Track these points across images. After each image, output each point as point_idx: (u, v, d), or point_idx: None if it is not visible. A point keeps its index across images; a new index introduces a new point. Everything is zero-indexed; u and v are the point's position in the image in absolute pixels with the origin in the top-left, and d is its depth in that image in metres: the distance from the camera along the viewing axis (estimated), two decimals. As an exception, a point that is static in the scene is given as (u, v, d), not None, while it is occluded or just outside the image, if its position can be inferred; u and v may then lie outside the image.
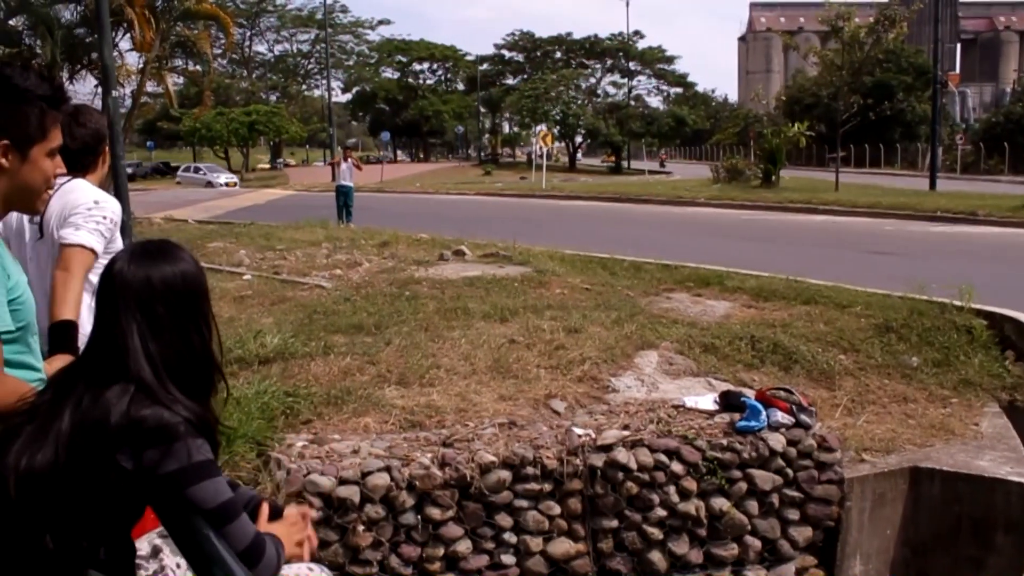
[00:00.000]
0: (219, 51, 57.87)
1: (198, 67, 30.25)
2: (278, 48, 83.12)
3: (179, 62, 27.99)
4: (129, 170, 26.33)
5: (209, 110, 46.21)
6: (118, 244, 3.49)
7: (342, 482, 4.82)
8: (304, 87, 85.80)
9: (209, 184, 49.40)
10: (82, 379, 1.98)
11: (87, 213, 3.27)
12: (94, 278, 3.34)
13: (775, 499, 5.56)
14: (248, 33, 77.44)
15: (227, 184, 49.65)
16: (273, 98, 77.45)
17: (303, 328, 7.59)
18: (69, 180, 3.34)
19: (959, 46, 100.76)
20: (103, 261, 3.43)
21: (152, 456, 1.89)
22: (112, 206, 3.39)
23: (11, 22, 20.41)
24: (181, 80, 37.11)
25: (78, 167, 3.33)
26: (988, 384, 7.51)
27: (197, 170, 54.98)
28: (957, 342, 8.06)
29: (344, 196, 20.76)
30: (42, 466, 1.88)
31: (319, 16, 71.65)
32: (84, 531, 1.93)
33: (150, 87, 24.19)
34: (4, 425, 1.98)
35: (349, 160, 20.79)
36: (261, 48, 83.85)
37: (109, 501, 1.94)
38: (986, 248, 16.76)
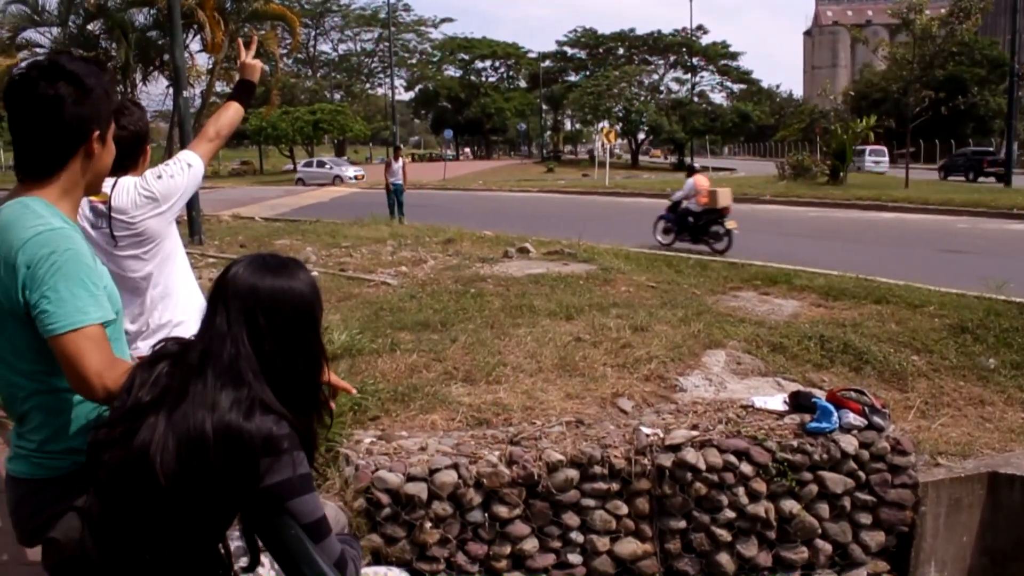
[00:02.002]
0: (285, 51, 58.83)
1: (265, 67, 30.74)
2: (342, 47, 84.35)
3: (247, 62, 28.46)
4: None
5: (275, 109, 46.88)
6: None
7: (410, 479, 4.84)
8: (367, 86, 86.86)
9: (338, 178, 48.50)
10: (196, 376, 1.98)
11: (147, 175, 3.41)
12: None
13: (847, 502, 5.45)
14: (313, 33, 78.56)
15: (355, 177, 48.93)
16: (337, 97, 78.42)
17: (370, 325, 7.66)
18: (114, 182, 3.35)
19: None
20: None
21: (259, 466, 1.91)
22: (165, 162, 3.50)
23: (88, 27, 20.98)
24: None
25: (118, 169, 3.27)
26: (1070, 387, 7.27)
27: (321, 164, 53.08)
28: (1037, 344, 7.83)
29: (396, 194, 21.82)
30: (173, 465, 1.89)
31: (382, 15, 72.47)
32: (176, 538, 1.96)
33: (219, 87, 24.67)
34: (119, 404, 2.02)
35: (400, 160, 22.18)
36: (325, 47, 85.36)
37: (209, 508, 1.95)
38: (1065, 246, 16.25)
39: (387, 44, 69.07)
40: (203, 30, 18.75)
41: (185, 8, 17.32)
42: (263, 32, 23.38)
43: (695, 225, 16.57)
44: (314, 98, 72.10)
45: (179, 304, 3.50)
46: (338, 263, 11.79)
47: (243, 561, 2.23)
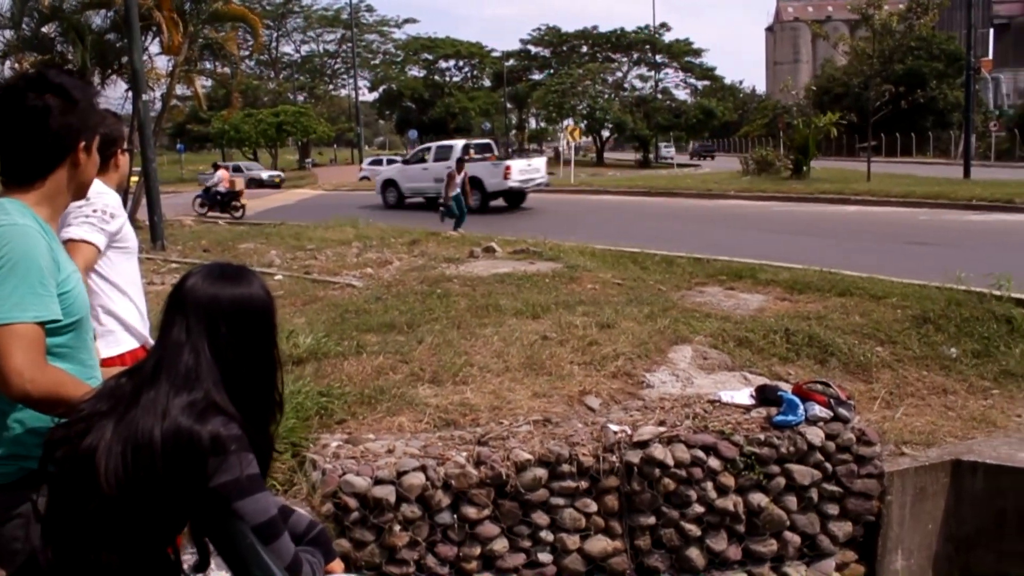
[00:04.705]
0: (247, 53, 58.33)
1: (226, 69, 30.42)
2: (305, 48, 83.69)
3: (207, 64, 28.15)
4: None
5: (238, 112, 46.40)
6: (127, 235, 3.53)
7: (377, 482, 4.82)
8: (331, 87, 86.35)
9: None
10: (149, 384, 1.99)
11: (77, 211, 3.32)
12: (106, 271, 3.45)
13: (814, 494, 5.49)
14: (275, 34, 77.93)
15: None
16: (301, 98, 77.92)
17: (335, 327, 7.61)
18: None
19: (992, 31, 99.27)
20: (116, 255, 3.49)
21: (207, 467, 1.90)
22: (104, 199, 3.40)
23: (43, 29, 20.63)
24: (210, 82, 37.33)
25: None
26: (1030, 374, 7.38)
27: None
28: (997, 332, 7.93)
29: (457, 203, 18.53)
30: (119, 469, 1.89)
31: (345, 16, 72.04)
32: (123, 541, 1.93)
33: (179, 90, 24.39)
34: (73, 415, 2.01)
35: (464, 173, 19.14)
36: (288, 49, 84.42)
37: (158, 512, 1.94)
38: (1024, 236, 16.49)
39: (350, 45, 68.74)
40: (161, 32, 18.48)
41: (143, 10, 17.07)
42: (223, 34, 23.17)
43: (222, 200, 25.49)
44: (277, 100, 71.55)
45: None
46: (303, 266, 11.71)
47: (191, 561, 2.22)
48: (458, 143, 27.62)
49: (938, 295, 8.65)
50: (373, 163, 52.17)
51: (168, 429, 1.89)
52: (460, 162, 19.52)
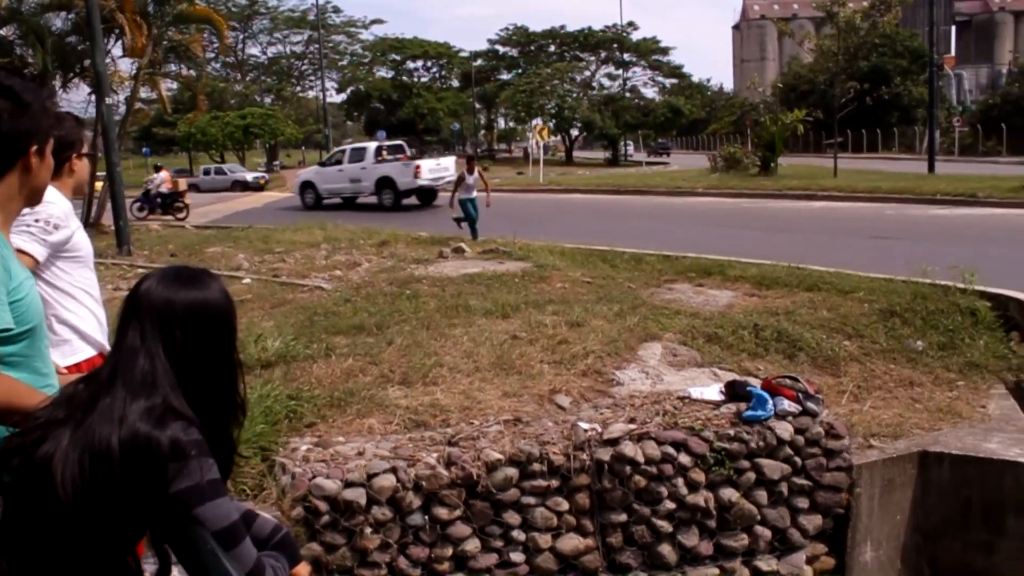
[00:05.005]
0: (212, 55, 57.85)
1: (191, 71, 30.15)
2: (271, 50, 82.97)
3: (172, 67, 27.88)
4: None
5: (204, 114, 46.03)
6: (78, 243, 3.46)
7: (348, 484, 4.79)
8: (298, 88, 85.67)
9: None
10: (105, 390, 1.95)
11: (19, 220, 3.26)
12: (57, 280, 3.38)
13: (784, 488, 5.53)
14: (241, 36, 77.24)
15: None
16: (268, 100, 77.34)
17: (304, 330, 7.56)
18: None
19: (954, 28, 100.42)
20: (68, 263, 3.42)
21: (167, 472, 1.87)
22: (49, 209, 3.34)
23: (1, 32, 20.33)
24: (175, 85, 36.97)
25: None
26: (994, 366, 7.48)
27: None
28: (962, 325, 8.03)
29: (474, 208, 16.40)
30: (76, 477, 1.86)
31: (311, 17, 71.56)
32: (83, 553, 1.90)
33: (144, 93, 24.17)
34: (27, 424, 1.98)
35: (476, 172, 16.53)
36: (254, 51, 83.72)
37: (117, 519, 1.91)
38: (987, 229, 16.71)
39: (317, 46, 68.34)
40: (124, 34, 18.25)
41: (105, 12, 16.86)
42: (188, 35, 22.95)
43: (163, 202, 25.73)
44: (244, 102, 70.98)
45: None
46: (271, 269, 11.62)
47: (152, 570, 2.18)
48: (371, 145, 28.70)
49: (904, 289, 8.74)
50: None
51: (126, 435, 1.86)
52: (470, 160, 16.97)
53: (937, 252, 11.16)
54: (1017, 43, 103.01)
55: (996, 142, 53.10)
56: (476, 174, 16.44)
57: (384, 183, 25.82)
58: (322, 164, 30.59)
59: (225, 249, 14.03)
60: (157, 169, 28.75)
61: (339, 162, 28.37)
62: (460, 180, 16.49)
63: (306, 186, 28.87)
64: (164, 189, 26.31)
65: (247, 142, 64.97)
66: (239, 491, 4.76)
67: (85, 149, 3.73)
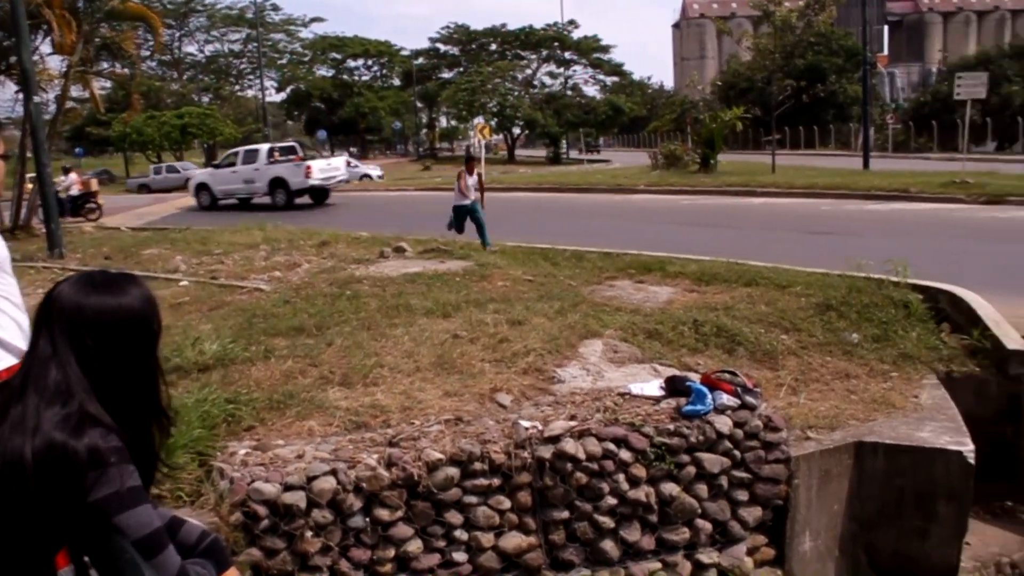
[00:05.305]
0: (148, 53, 56.70)
1: (125, 70, 29.50)
2: (209, 48, 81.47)
3: (105, 65, 27.26)
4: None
5: (139, 114, 45.00)
6: None
7: (287, 488, 4.72)
8: (237, 87, 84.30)
9: (368, 176, 47.52)
10: (17, 400, 1.91)
11: None
12: None
13: (724, 481, 5.59)
14: (177, 34, 75.80)
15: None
16: (206, 100, 75.96)
17: (243, 333, 7.45)
18: None
19: (886, 28, 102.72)
20: None
21: (85, 481, 1.83)
22: None
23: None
24: (109, 84, 36.13)
25: None
26: (926, 357, 7.66)
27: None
28: (895, 317, 8.21)
29: (472, 214, 14.51)
30: None
31: (250, 15, 70.54)
32: (2, 565, 1.85)
33: (76, 92, 23.62)
34: None
35: (476, 174, 14.82)
36: (191, 49, 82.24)
37: (33, 530, 1.85)
38: (919, 224, 17.12)
39: (256, 45, 67.43)
40: (53, 31, 17.77)
41: (31, 7, 16.40)
42: (121, 33, 22.44)
43: (74, 204, 24.92)
44: (181, 101, 69.65)
45: None
46: (209, 271, 11.43)
47: None
48: (263, 147, 29.46)
49: (840, 283, 8.91)
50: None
51: (40, 445, 1.81)
52: (470, 161, 15.23)
53: (872, 246, 11.39)
54: (946, 42, 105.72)
55: (928, 139, 54.45)
56: (476, 177, 14.59)
57: (277, 183, 26.80)
58: (216, 166, 31.38)
59: (162, 251, 13.76)
60: (66, 171, 27.72)
61: (232, 164, 29.09)
62: (459, 182, 14.50)
63: (201, 187, 29.45)
64: (75, 191, 25.76)
65: (185, 142, 63.77)
66: (176, 498, 4.68)
67: (1, 150, 3.61)
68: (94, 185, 27.04)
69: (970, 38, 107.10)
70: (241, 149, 30.98)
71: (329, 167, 28.21)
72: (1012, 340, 7.70)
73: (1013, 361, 7.54)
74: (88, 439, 1.84)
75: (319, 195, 27.58)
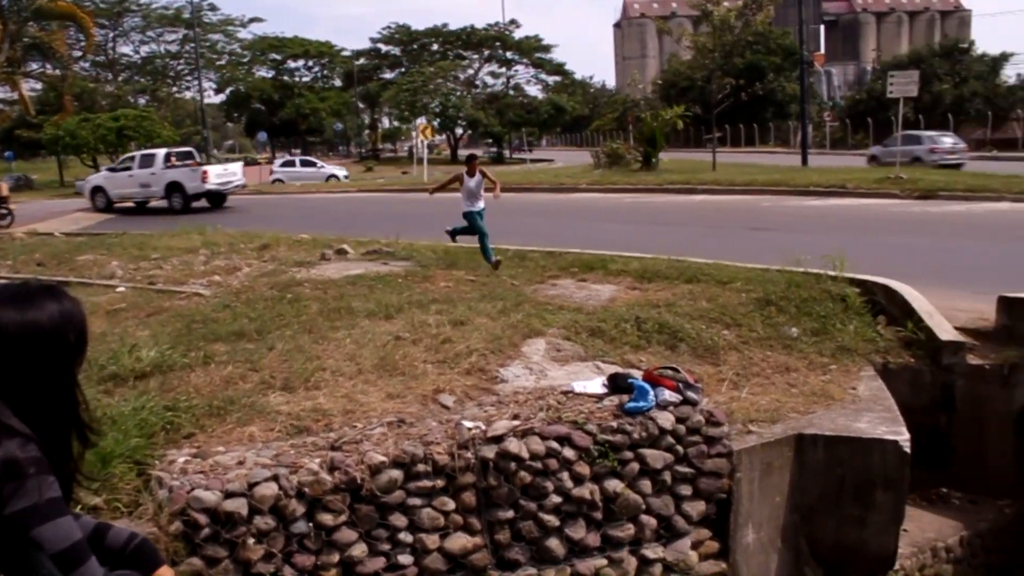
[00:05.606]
0: (79, 53, 55.37)
1: (56, 71, 28.84)
2: (144, 49, 79.72)
3: (35, 65, 26.61)
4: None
5: (72, 116, 44.04)
6: None
7: (228, 495, 4.64)
8: (175, 89, 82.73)
9: (334, 176, 46.16)
10: None
11: None
12: None
13: (667, 476, 5.63)
14: (111, 34, 74.24)
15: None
16: (142, 101, 74.49)
17: (181, 339, 7.32)
18: None
19: (823, 28, 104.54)
20: None
21: (1, 493, 1.78)
22: None
23: None
24: (39, 85, 35.21)
25: None
26: (863, 349, 7.81)
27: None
28: (833, 311, 8.36)
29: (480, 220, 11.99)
30: None
31: (186, 15, 69.33)
32: None
33: (3, 93, 23.07)
34: None
35: (478, 174, 12.07)
36: (126, 49, 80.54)
37: None
38: (856, 219, 17.47)
39: (193, 45, 66.33)
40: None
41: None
42: (51, 32, 21.91)
43: None
44: (117, 103, 68.15)
45: None
46: (147, 276, 11.20)
47: None
48: (160, 151, 29.96)
49: (779, 278, 9.04)
50: (284, 164, 50.27)
51: None
52: (471, 160, 12.33)
53: (810, 241, 11.58)
54: (880, 42, 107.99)
55: (864, 135, 55.48)
56: (479, 177, 11.99)
57: (174, 187, 27.49)
58: (111, 169, 31.56)
59: (97, 257, 13.46)
60: None
61: (129, 168, 29.54)
62: (458, 183, 12.26)
63: (96, 190, 29.95)
64: None
65: (121, 145, 62.51)
66: (113, 508, 4.58)
67: None
68: (4, 190, 26.29)
69: (902, 38, 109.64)
70: (138, 153, 31.50)
71: (226, 172, 29.03)
72: (945, 331, 7.90)
73: (946, 351, 7.73)
74: (4, 450, 1.79)
75: (216, 199, 28.20)
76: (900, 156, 29.09)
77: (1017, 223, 15.97)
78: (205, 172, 27.38)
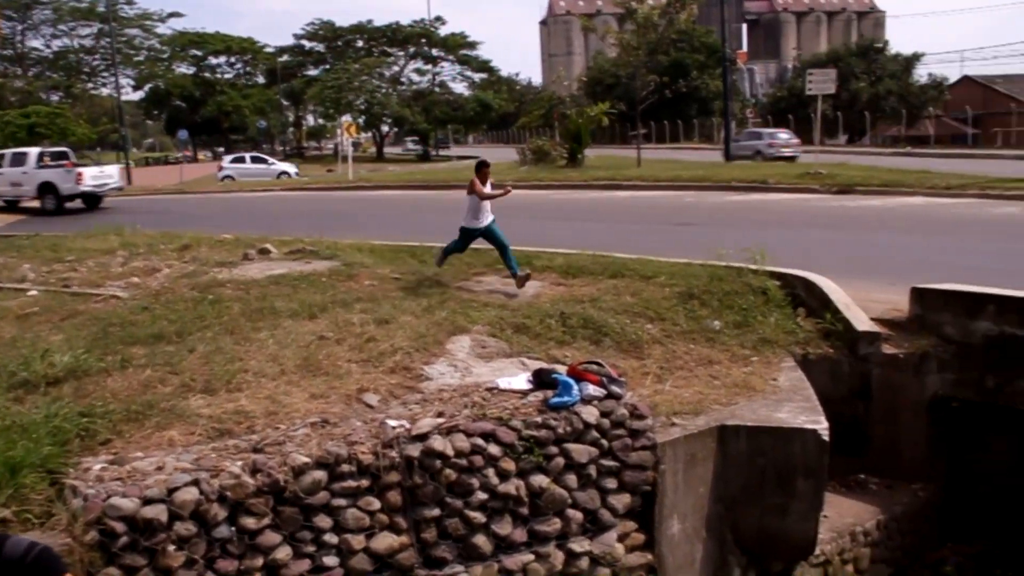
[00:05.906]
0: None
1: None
2: (56, 43, 77.31)
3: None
4: None
5: (-25, 112, 42.41)
6: None
7: (147, 502, 4.54)
8: (90, 85, 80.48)
9: (285, 174, 44.96)
10: None
11: None
12: None
13: (592, 470, 5.68)
14: (20, 27, 71.91)
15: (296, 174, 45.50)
16: (55, 98, 72.30)
17: (98, 343, 7.13)
18: None
19: (744, 27, 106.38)
20: None
21: None
22: None
23: None
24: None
25: None
26: (783, 340, 7.98)
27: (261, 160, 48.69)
28: (754, 303, 8.52)
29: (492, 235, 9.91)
30: None
31: (101, 8, 67.51)
32: None
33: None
34: None
35: (490, 183, 10.15)
36: (37, 43, 78.15)
37: None
38: (777, 213, 17.82)
39: (108, 40, 64.59)
40: None
41: None
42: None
43: None
44: (28, 100, 66.06)
45: None
46: (61, 279, 10.85)
47: None
48: (33, 151, 29.53)
49: (702, 272, 9.18)
50: (235, 161, 48.71)
51: None
52: (481, 167, 10.04)
53: (733, 236, 11.76)
54: (800, 41, 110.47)
55: (784, 132, 56.61)
56: (489, 187, 10.07)
57: (46, 188, 27.21)
58: None
59: (8, 259, 13.00)
60: None
61: None
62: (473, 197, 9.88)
63: None
64: None
65: (33, 143, 60.61)
66: (23, 520, 4.44)
67: None
68: None
69: (821, 37, 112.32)
70: (8, 152, 30.77)
71: (102, 174, 28.74)
72: (861, 322, 8.11)
73: (862, 342, 7.95)
74: None
75: (92, 200, 28.04)
76: (747, 150, 34.63)
77: (930, 216, 16.48)
78: (80, 174, 27.09)
